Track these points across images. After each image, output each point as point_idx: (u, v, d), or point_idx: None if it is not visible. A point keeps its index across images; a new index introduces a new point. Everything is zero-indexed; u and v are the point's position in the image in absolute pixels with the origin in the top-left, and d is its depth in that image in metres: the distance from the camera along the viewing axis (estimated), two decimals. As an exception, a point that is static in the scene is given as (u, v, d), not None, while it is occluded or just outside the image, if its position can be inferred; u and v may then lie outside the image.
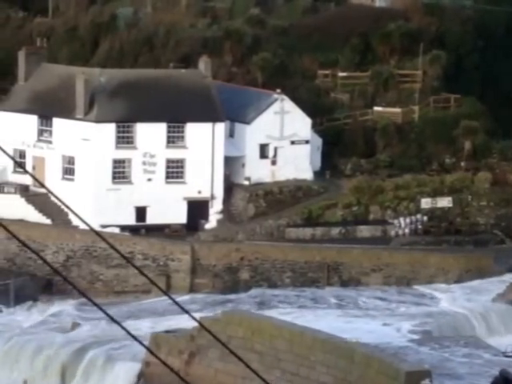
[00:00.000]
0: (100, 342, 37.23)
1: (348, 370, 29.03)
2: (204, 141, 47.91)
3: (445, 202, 49.82)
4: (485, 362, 36.15)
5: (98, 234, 13.37)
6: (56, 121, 47.96)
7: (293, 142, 50.59)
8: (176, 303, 12.87)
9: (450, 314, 41.29)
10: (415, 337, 38.51)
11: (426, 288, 44.43)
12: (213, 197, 48.37)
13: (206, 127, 47.92)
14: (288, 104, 50.25)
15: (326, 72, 56.41)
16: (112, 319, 12.38)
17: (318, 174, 51.39)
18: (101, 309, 12.27)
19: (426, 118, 54.65)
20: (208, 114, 48.02)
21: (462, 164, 52.91)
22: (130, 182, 47.73)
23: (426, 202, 49.67)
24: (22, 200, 47.21)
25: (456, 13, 59.74)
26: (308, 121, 50.74)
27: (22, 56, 49.80)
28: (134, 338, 12.37)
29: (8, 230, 12.12)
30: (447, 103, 55.88)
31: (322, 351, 29.58)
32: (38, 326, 40.44)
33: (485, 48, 58.52)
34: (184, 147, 48.03)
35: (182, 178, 48.14)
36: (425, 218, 49.36)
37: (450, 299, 43.01)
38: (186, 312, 12.88)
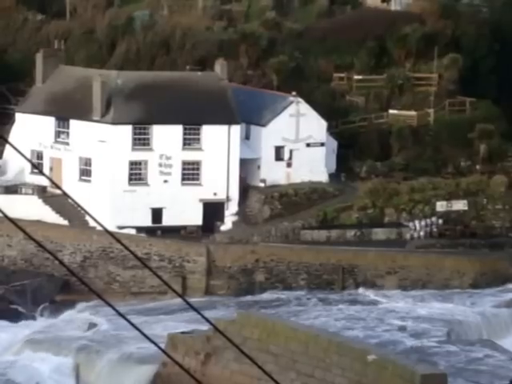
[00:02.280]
0: (116, 342, 37.45)
1: (363, 373, 29.11)
2: (220, 143, 48.10)
3: (460, 205, 49.75)
4: (501, 364, 36.14)
5: (113, 236, 13.57)
6: (73, 122, 48.29)
7: (308, 145, 50.68)
8: (190, 306, 13.02)
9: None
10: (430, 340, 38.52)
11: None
12: (228, 199, 48.54)
13: (221, 129, 48.11)
14: (303, 106, 50.37)
15: (342, 75, 56.48)
16: (127, 320, 12.54)
17: (333, 177, 51.45)
18: (115, 310, 12.43)
19: (442, 121, 54.61)
20: (224, 117, 48.21)
21: (478, 167, 52.83)
22: (146, 184, 47.98)
23: (441, 205, 49.63)
24: (40, 201, 47.54)
25: (472, 16, 59.65)
26: (323, 123, 50.82)
27: (39, 58, 50.18)
28: (149, 339, 12.51)
29: (25, 232, 12.32)
30: (463, 106, 55.82)
31: (337, 354, 29.67)
32: (54, 327, 40.71)
33: (500, 51, 58.39)
34: (200, 149, 48.24)
35: (197, 179, 48.35)
36: (440, 221, 49.31)
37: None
38: (200, 314, 13.02)
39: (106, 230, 13.21)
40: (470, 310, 42.34)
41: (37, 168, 47.72)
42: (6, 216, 12.28)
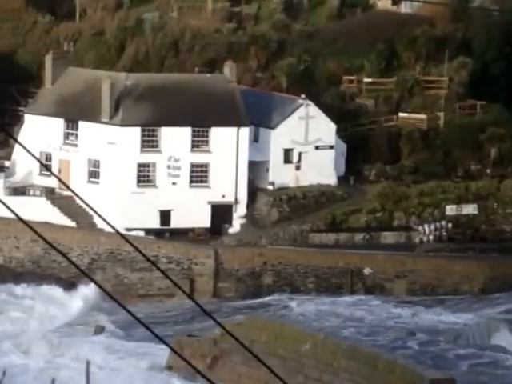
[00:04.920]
0: (124, 344, 37.35)
1: (371, 377, 28.91)
2: (228, 145, 47.99)
3: (470, 209, 49.50)
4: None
5: (123, 237, 13.47)
6: (82, 124, 48.25)
7: (317, 147, 50.53)
8: (200, 307, 12.88)
9: None
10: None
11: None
12: (237, 201, 48.42)
13: (230, 132, 48.00)
14: (313, 109, 50.23)
15: (351, 78, 56.32)
16: (138, 321, 12.43)
17: (342, 180, 51.28)
18: (128, 311, 12.32)
19: (452, 125, 54.40)
20: (232, 119, 48.11)
21: (488, 171, 52.55)
22: (154, 186, 47.89)
23: (450, 209, 49.39)
24: (48, 203, 47.50)
25: (482, 19, 59.41)
26: (332, 126, 50.67)
27: (48, 60, 50.18)
28: (160, 339, 12.42)
29: (37, 233, 12.21)
30: (473, 110, 55.58)
31: (345, 357, 29.49)
32: (62, 329, 40.65)
33: (511, 54, 58.15)
34: (208, 151, 48.14)
35: (206, 182, 48.25)
36: (449, 224, 49.07)
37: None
38: (210, 316, 12.89)
39: (116, 231, 13.09)
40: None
41: (47, 169, 47.69)
42: (17, 216, 12.17)
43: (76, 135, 48.59)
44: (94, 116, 47.77)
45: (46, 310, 42.46)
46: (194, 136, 47.97)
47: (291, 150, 50.25)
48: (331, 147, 50.78)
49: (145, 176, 47.83)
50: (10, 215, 12.62)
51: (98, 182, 47.79)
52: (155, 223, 47.57)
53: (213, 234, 47.67)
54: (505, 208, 50.15)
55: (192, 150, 47.99)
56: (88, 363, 31.52)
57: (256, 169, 49.21)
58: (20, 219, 12.16)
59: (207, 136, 48.04)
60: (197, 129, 48.03)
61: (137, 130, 47.49)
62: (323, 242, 47.69)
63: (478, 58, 56.54)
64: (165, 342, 12.53)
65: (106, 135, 47.55)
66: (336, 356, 29.66)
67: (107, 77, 48.12)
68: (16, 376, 33.09)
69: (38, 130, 48.92)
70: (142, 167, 47.70)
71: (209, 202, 48.12)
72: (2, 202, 12.03)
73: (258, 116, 48.71)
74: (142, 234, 46.65)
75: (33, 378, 34.12)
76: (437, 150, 53.77)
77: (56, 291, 43.74)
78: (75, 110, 48.46)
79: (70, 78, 49.74)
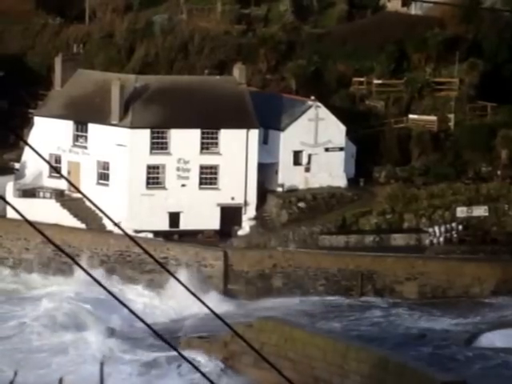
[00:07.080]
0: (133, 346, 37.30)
1: (381, 379, 28.78)
2: (238, 147, 47.92)
3: (481, 210, 49.27)
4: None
5: (132, 239, 13.39)
6: (91, 126, 48.28)
7: (327, 149, 50.41)
8: (209, 309, 12.79)
9: None
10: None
11: None
12: (246, 203, 48.34)
13: (239, 134, 47.94)
14: (322, 111, 50.12)
15: (361, 79, 56.19)
16: (145, 324, 12.34)
17: (351, 182, 51.14)
18: (135, 314, 12.24)
19: (462, 126, 54.19)
20: (242, 121, 48.04)
21: (499, 173, 52.32)
22: (163, 188, 47.86)
23: (461, 211, 49.18)
24: (57, 205, 47.55)
25: (493, 20, 59.19)
26: (342, 128, 50.55)
27: (58, 62, 50.24)
28: (167, 342, 12.34)
29: (45, 236, 12.13)
30: (484, 111, 55.35)
31: (355, 360, 29.37)
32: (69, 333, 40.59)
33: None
34: (218, 153, 48.09)
35: (215, 184, 48.19)
36: (460, 226, 48.86)
37: None
38: (220, 318, 12.79)
39: (126, 233, 13.01)
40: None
41: (57, 171, 47.69)
42: (25, 219, 12.10)
43: (85, 137, 48.60)
44: (103, 118, 47.78)
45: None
46: (203, 138, 47.92)
47: (301, 151, 50.14)
48: (341, 149, 50.64)
49: (154, 178, 47.81)
50: (20, 217, 12.54)
51: (107, 184, 47.78)
52: (164, 225, 47.53)
53: (222, 236, 47.60)
54: (516, 210, 49.89)
55: (201, 152, 47.93)
56: (102, 364, 31.40)
57: (265, 171, 49.12)
58: (28, 222, 12.09)
59: (216, 138, 47.98)
60: (206, 131, 47.98)
61: (146, 132, 47.48)
62: (333, 244, 47.55)
63: (488, 60, 56.31)
64: (172, 346, 12.44)
65: (115, 137, 47.55)
66: (346, 358, 29.54)
67: (117, 79, 48.12)
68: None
69: (48, 132, 48.95)
70: (152, 169, 47.67)
71: (218, 204, 48.05)
72: (11, 205, 11.98)
73: (267, 118, 48.62)
74: (150, 235, 46.62)
75: None
76: (447, 151, 53.57)
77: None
78: (85, 112, 48.48)
79: (80, 80, 49.77)
